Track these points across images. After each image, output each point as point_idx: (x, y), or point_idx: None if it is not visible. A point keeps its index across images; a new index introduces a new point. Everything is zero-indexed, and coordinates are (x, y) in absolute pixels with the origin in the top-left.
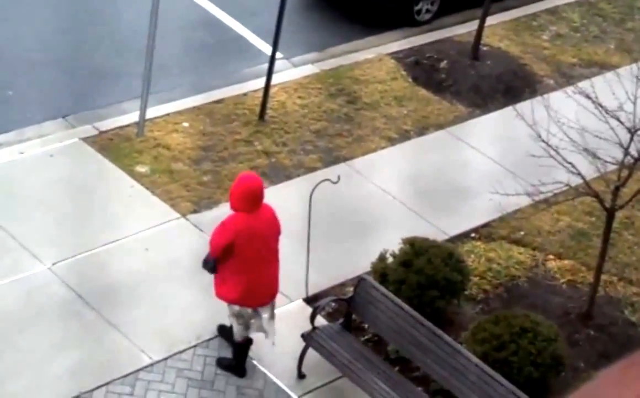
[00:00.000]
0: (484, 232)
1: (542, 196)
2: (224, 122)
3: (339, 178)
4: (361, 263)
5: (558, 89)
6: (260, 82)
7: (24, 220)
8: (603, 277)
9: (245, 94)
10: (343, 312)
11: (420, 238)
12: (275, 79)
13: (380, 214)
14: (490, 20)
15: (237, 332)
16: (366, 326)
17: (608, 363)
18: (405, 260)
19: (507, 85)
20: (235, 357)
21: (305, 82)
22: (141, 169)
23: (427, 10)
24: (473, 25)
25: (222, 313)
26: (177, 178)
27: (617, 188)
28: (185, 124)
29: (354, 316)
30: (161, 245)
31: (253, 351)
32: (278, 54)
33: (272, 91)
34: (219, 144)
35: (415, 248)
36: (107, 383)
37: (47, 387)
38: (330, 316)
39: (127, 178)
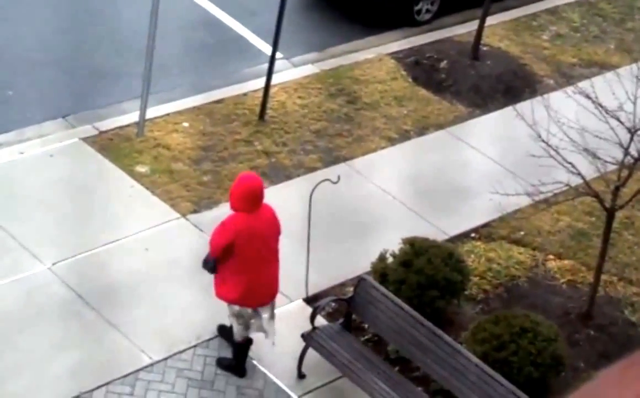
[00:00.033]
0: (484, 232)
1: (542, 196)
2: (224, 122)
3: (339, 178)
4: (361, 263)
5: (558, 89)
6: (260, 82)
7: (24, 220)
8: (603, 277)
9: (245, 94)
10: (343, 312)
11: (420, 238)
12: (275, 79)
13: (380, 214)
14: (490, 20)
15: (237, 332)
16: (366, 326)
17: (608, 363)
18: (405, 260)
19: (507, 85)
20: (235, 356)
21: (305, 82)
22: (141, 169)
23: (427, 10)
24: (473, 25)
25: (222, 313)
26: (177, 178)
27: (617, 188)
28: (185, 124)
29: (354, 316)
30: (161, 245)
31: (253, 351)
32: (278, 54)
33: (272, 91)
34: (219, 144)
35: (415, 248)
36: (107, 383)
37: (47, 387)
38: (330, 316)
39: (127, 178)
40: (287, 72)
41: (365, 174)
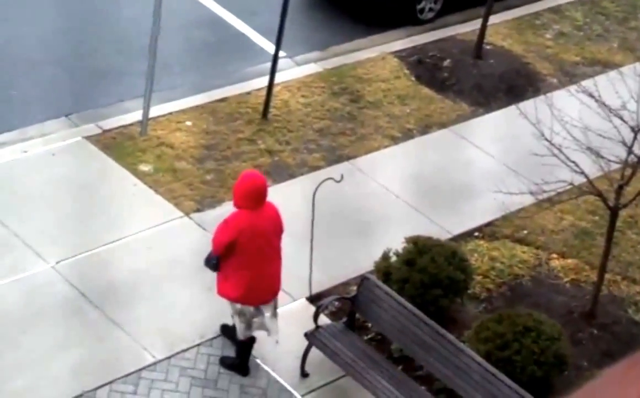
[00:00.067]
0: (488, 231)
1: (545, 195)
2: (227, 121)
3: (342, 176)
4: (364, 262)
5: (561, 88)
6: (264, 81)
7: (27, 219)
8: (606, 276)
9: (248, 93)
10: (346, 311)
11: (424, 236)
12: (279, 77)
13: (384, 213)
14: (493, 19)
15: (240, 330)
16: (369, 325)
17: (611, 362)
18: (409, 259)
19: (510, 84)
20: (239, 355)
21: (309, 80)
22: (144, 168)
23: (430, 9)
24: (476, 24)
25: (225, 312)
26: (180, 177)
27: (620, 187)
28: (189, 123)
29: (357, 315)
30: (164, 244)
31: (256, 350)
32: (281, 53)
33: (275, 89)
34: (222, 143)
35: (419, 247)
36: (110, 382)
37: (49, 385)
38: (333, 315)
39: (131, 177)
40: (290, 71)
41: (369, 172)
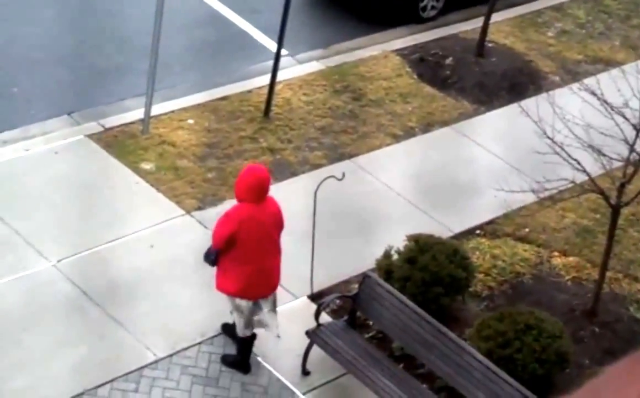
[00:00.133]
0: (489, 229)
1: (547, 193)
2: (229, 119)
3: (343, 174)
4: (366, 260)
5: (563, 86)
6: (265, 79)
7: (29, 217)
8: (608, 274)
9: (250, 91)
10: (348, 309)
11: (425, 234)
12: (280, 75)
13: (385, 211)
14: (496, 17)
15: (240, 326)
16: (371, 323)
17: (613, 359)
18: (410, 257)
19: (512, 82)
20: (240, 353)
21: (310, 79)
22: (146, 166)
23: (432, 7)
24: (478, 22)
25: (226, 310)
26: (182, 175)
27: (622, 185)
28: (190, 121)
29: (358, 313)
30: (166, 242)
31: (258, 348)
32: (283, 51)
33: (277, 87)
34: (223, 141)
35: (420, 245)
36: (111, 380)
37: (51, 383)
38: (334, 313)
39: (132, 175)
40: (292, 69)
41: (370, 171)
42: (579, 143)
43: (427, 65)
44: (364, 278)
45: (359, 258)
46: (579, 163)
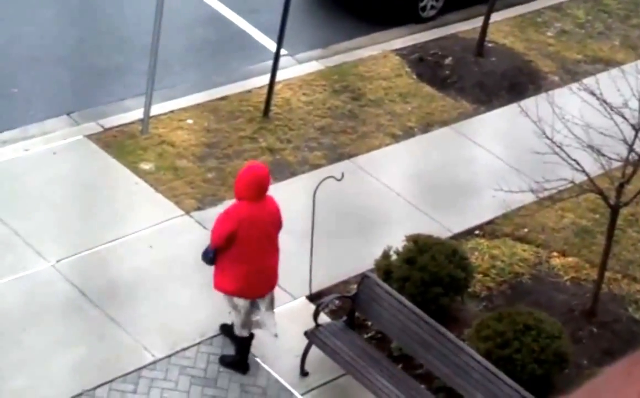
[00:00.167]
0: (488, 229)
1: (546, 193)
2: (229, 119)
3: (342, 175)
4: (365, 260)
5: (563, 86)
6: (265, 79)
7: (28, 217)
8: (607, 274)
9: (249, 91)
10: (346, 310)
11: (424, 235)
12: (280, 75)
13: (384, 211)
14: (495, 17)
15: (237, 325)
16: (370, 323)
17: (612, 360)
18: (409, 257)
19: (512, 81)
20: (238, 352)
21: (310, 79)
22: (145, 166)
23: (432, 7)
24: (478, 22)
25: (225, 311)
26: (182, 175)
27: (621, 185)
28: (190, 121)
29: (357, 313)
30: (165, 242)
31: (256, 349)
32: (282, 51)
33: (277, 87)
34: (223, 141)
35: (419, 245)
36: (110, 381)
37: (50, 384)
38: (333, 314)
39: (131, 175)
40: (292, 69)
41: (370, 171)
42: (578, 143)
43: (426, 65)
44: (362, 278)
45: (358, 259)
46: (578, 163)
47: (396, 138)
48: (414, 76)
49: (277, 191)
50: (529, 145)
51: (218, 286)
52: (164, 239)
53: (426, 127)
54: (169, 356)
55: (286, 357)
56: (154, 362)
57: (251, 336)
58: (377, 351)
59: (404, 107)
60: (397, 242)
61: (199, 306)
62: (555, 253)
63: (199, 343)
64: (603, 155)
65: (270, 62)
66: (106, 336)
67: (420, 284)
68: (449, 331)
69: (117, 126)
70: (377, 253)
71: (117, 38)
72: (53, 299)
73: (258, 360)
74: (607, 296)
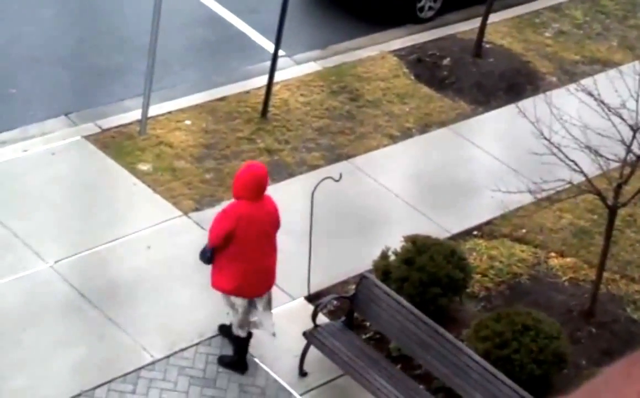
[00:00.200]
0: (486, 230)
1: (544, 194)
2: (227, 120)
3: (341, 175)
4: (363, 261)
5: (561, 87)
6: (263, 80)
7: (27, 218)
8: (605, 275)
9: (247, 92)
10: (345, 310)
11: (423, 235)
12: (278, 76)
13: (383, 212)
14: (493, 18)
15: (235, 324)
16: (368, 324)
17: (610, 360)
18: (408, 258)
19: (510, 82)
20: (236, 352)
21: (308, 79)
22: (143, 167)
23: (430, 8)
24: (476, 23)
25: (223, 311)
26: (180, 176)
27: (619, 186)
28: (188, 122)
29: (356, 314)
30: (163, 243)
31: (255, 349)
32: (280, 52)
33: (275, 88)
34: (221, 142)
35: (418, 246)
36: (109, 381)
37: (49, 384)
38: (332, 314)
39: (130, 176)
40: (290, 70)
41: (368, 171)
42: (576, 144)
43: (424, 65)
44: (361, 279)
45: (356, 259)
46: (576, 164)
47: (394, 139)
48: (412, 77)
49: (275, 192)
50: (527, 146)
51: (216, 285)
52: (162, 240)
53: (424, 128)
54: (168, 356)
55: (285, 357)
56: (153, 363)
57: (249, 335)
58: (375, 351)
59: (402, 108)
60: (395, 243)
61: (197, 306)
62: (553, 254)
63: (197, 344)
64: (601, 156)
65: (268, 63)
66: (105, 336)
67: (418, 284)
68: (447, 331)
69: (115, 127)
70: (376, 254)
71: (117, 38)
72: (52, 299)
73: (257, 360)
74: (606, 297)
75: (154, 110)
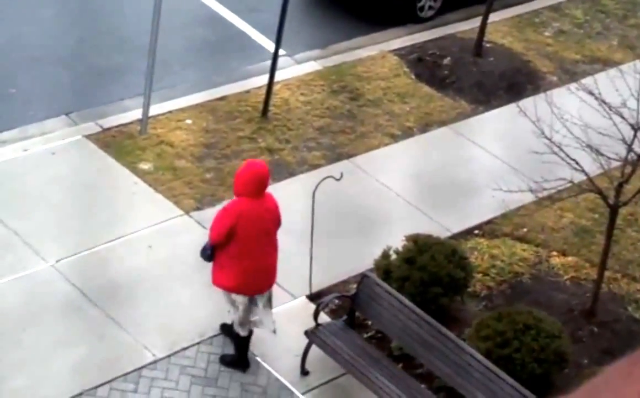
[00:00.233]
0: (488, 229)
1: (545, 193)
2: (227, 120)
3: (341, 174)
4: (364, 260)
5: (561, 86)
6: (263, 79)
7: (27, 218)
8: (606, 274)
9: (248, 91)
10: (346, 309)
11: (424, 235)
12: (278, 76)
13: (383, 211)
14: (493, 17)
15: (236, 322)
16: (369, 323)
17: (611, 359)
18: (409, 257)
19: (510, 81)
20: (237, 349)
21: (308, 79)
22: (144, 166)
23: (430, 7)
24: (476, 22)
25: (225, 310)
26: (180, 175)
27: (620, 185)
28: (189, 122)
29: (357, 313)
30: (164, 242)
31: (257, 348)
32: (281, 51)
33: (275, 87)
34: (222, 142)
35: (419, 245)
36: (110, 381)
37: (50, 384)
38: (333, 313)
39: (131, 175)
40: (290, 69)
41: (368, 171)
42: (577, 143)
43: (424, 65)
44: (362, 278)
45: (357, 258)
46: (577, 163)
47: (395, 138)
48: (413, 76)
49: (276, 191)
50: (528, 145)
51: (217, 282)
52: (163, 239)
53: (425, 128)
54: (169, 356)
55: (286, 356)
56: (155, 362)
57: (250, 333)
58: (377, 350)
59: (402, 108)
60: (396, 242)
61: (199, 305)
62: (554, 253)
63: (199, 343)
64: (602, 155)
65: (268, 63)
66: (106, 336)
67: (419, 284)
68: (449, 330)
69: (115, 126)
70: (377, 253)
71: (117, 38)
72: (53, 299)
73: (258, 359)
74: (607, 296)
75: (155, 109)
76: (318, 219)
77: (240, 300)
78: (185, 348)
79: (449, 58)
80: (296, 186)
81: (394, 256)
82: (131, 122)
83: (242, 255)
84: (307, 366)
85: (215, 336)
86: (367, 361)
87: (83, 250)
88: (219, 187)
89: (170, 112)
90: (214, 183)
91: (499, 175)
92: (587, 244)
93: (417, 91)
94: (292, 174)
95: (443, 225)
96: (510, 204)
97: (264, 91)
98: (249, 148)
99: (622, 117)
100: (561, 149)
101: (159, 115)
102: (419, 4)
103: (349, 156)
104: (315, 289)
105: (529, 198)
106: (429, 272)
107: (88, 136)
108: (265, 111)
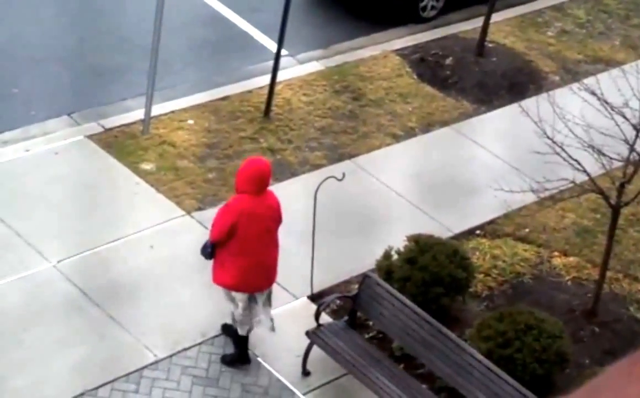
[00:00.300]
0: (489, 229)
1: (547, 193)
2: (229, 120)
3: (343, 175)
4: (366, 260)
5: (563, 86)
6: (265, 79)
7: (29, 218)
8: (608, 274)
9: (250, 91)
10: (348, 309)
11: (425, 235)
12: (280, 76)
13: (385, 211)
14: (496, 17)
15: (237, 320)
16: (371, 323)
17: (613, 360)
18: (410, 257)
19: (513, 81)
20: (236, 346)
21: (310, 79)
22: (146, 166)
23: (433, 7)
24: (478, 22)
25: (226, 310)
26: (182, 175)
27: (622, 185)
28: (191, 122)
29: (358, 313)
30: (166, 242)
31: (258, 348)
32: (283, 51)
33: (277, 88)
34: (224, 142)
35: (420, 245)
36: (111, 381)
37: (51, 384)
38: (334, 314)
39: (132, 175)
40: (292, 69)
41: (370, 171)
42: (579, 143)
43: (427, 65)
44: (364, 278)
45: (359, 258)
46: (579, 163)
47: (397, 138)
48: (415, 76)
49: (278, 191)
50: (530, 145)
51: (217, 280)
52: (164, 239)
53: (427, 128)
54: (171, 356)
55: (288, 357)
56: (156, 362)
57: (249, 329)
58: (378, 351)
59: (404, 108)
60: (398, 242)
61: (200, 306)
62: (556, 253)
63: (200, 343)
64: (604, 155)
65: (270, 63)
66: (107, 336)
67: (421, 284)
68: (450, 331)
69: (117, 127)
70: (378, 253)
71: (118, 38)
72: (54, 299)
73: (260, 359)
74: (608, 296)
75: (157, 109)
76: (320, 219)
77: (240, 297)
78: (187, 349)
79: (451, 58)
80: (298, 186)
81: (395, 257)
82: (133, 123)
83: (243, 252)
84: (309, 366)
85: (216, 336)
86: (368, 361)
87: (85, 250)
88: (221, 187)
89: (172, 112)
90: (216, 183)
91: (501, 175)
92: (588, 245)
93: (419, 91)
94: (294, 174)
95: (444, 225)
96: (512, 205)
97: (266, 91)
98: (251, 148)
99: (625, 118)
100: (563, 149)
101: (161, 115)
102: (421, 4)
103: (350, 156)
104: (316, 289)
105: (530, 198)
106: (430, 272)
107: (90, 136)
108: (267, 111)
